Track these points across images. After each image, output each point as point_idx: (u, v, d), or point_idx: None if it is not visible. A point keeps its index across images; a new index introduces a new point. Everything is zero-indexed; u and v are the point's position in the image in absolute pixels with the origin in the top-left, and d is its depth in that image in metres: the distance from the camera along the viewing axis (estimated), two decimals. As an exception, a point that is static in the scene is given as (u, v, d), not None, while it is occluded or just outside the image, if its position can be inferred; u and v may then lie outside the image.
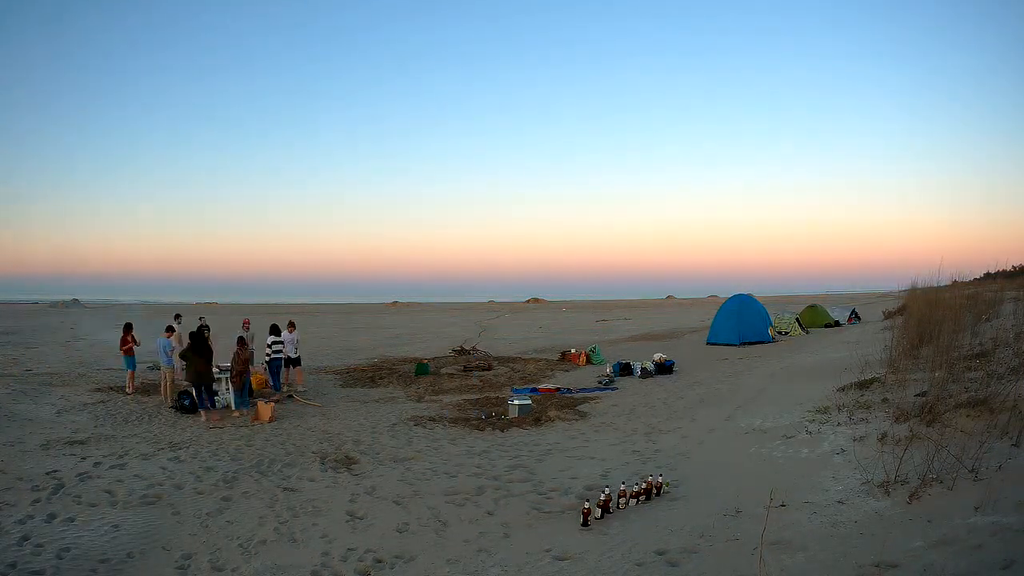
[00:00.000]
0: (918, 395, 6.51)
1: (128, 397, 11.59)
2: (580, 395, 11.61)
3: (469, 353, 18.74)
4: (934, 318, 9.46)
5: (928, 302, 10.89)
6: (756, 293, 25.24)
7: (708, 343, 18.74)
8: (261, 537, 5.11)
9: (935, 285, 11.57)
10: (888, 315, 21.20)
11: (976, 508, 3.63)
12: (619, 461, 6.82)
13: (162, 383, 11.47)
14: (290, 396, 11.71)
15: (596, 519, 4.97)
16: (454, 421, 9.44)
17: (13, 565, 4.50)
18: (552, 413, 9.62)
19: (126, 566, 4.61)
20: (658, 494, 5.44)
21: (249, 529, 5.28)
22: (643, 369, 13.46)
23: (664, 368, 13.63)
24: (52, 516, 5.44)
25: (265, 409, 9.73)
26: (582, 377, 14.07)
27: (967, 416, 5.29)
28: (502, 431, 8.75)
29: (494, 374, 14.93)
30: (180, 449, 7.81)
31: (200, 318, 14.43)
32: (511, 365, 16.50)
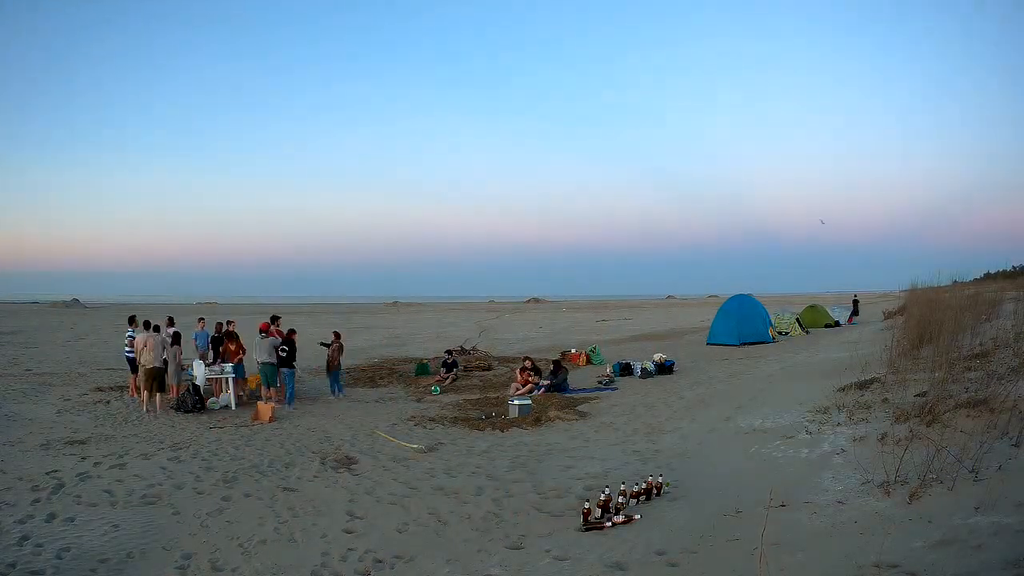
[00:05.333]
0: (918, 395, 6.51)
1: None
2: (580, 395, 11.62)
3: (469, 353, 18.73)
4: (934, 318, 9.47)
5: (928, 302, 10.90)
6: (756, 293, 25.23)
7: (708, 343, 18.73)
8: (261, 537, 5.11)
9: (935, 285, 11.59)
10: (888, 315, 21.20)
11: (976, 508, 3.63)
12: (619, 461, 6.82)
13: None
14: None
15: (596, 519, 4.97)
16: (454, 421, 9.45)
17: (13, 565, 4.49)
18: (552, 413, 9.62)
19: (126, 566, 4.60)
20: (658, 494, 5.43)
21: (249, 529, 5.28)
22: (643, 369, 13.45)
23: (664, 368, 13.63)
24: (52, 516, 5.44)
25: (265, 409, 9.74)
26: (582, 377, 14.07)
27: (967, 416, 5.29)
28: (502, 431, 8.76)
29: (494, 374, 14.93)
30: (180, 449, 7.80)
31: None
32: (511, 365, 16.49)
